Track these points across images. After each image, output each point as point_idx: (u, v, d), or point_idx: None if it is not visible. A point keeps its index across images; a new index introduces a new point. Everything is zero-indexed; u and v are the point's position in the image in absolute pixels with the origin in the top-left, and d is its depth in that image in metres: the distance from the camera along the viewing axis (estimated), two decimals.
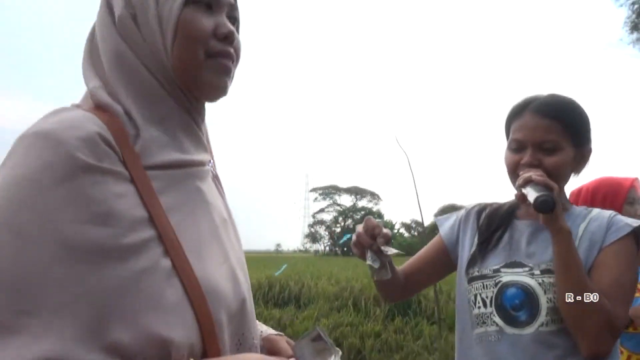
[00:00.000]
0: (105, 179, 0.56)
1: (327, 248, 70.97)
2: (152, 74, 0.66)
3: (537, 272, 1.12)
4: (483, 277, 1.17)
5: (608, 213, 1.17)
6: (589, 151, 1.19)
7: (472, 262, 1.22)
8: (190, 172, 0.68)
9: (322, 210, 72.58)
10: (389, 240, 1.04)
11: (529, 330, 1.08)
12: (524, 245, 1.17)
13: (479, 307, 1.15)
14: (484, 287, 1.16)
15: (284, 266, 11.41)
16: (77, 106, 0.65)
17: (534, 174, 1.04)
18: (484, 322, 1.14)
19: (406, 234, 66.15)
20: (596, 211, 1.19)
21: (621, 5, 15.12)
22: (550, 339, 1.07)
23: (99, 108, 0.63)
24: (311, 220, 75.07)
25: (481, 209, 1.33)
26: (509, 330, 1.10)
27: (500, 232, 1.22)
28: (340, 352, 0.77)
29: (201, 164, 0.70)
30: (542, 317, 1.08)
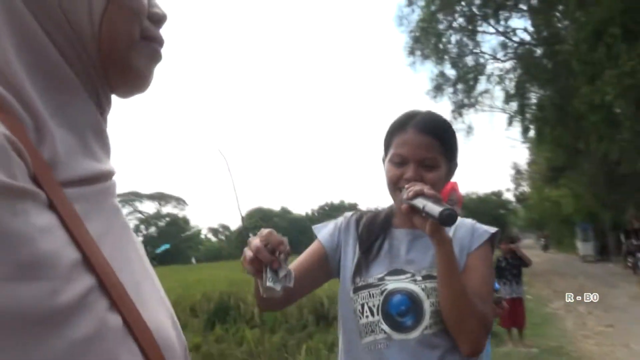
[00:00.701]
0: (24, 206, 0.38)
1: None
2: (60, 50, 0.48)
3: (418, 278, 1.17)
4: (369, 286, 1.19)
5: (469, 221, 1.28)
6: (456, 165, 1.28)
7: (357, 271, 1.22)
8: (106, 187, 0.52)
9: None
10: (288, 256, 0.96)
11: (415, 334, 1.12)
12: (403, 253, 1.22)
13: (367, 317, 1.16)
14: (370, 295, 1.17)
15: None
16: None
17: (425, 187, 1.08)
18: (372, 331, 1.15)
19: (214, 239, 65.55)
20: (458, 220, 1.24)
21: (402, 32, 17.50)
22: (433, 340, 1.12)
23: None
24: None
25: (358, 217, 1.35)
26: (396, 336, 1.13)
27: (380, 241, 1.26)
28: None
29: (111, 175, 0.53)
30: (426, 320, 1.13)
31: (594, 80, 12.70)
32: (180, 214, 66.02)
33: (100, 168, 0.50)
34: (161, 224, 62.74)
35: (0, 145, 0.37)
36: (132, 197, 66.06)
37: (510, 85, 19.48)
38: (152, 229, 62.38)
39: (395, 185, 1.19)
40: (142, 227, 63.26)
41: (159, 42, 0.55)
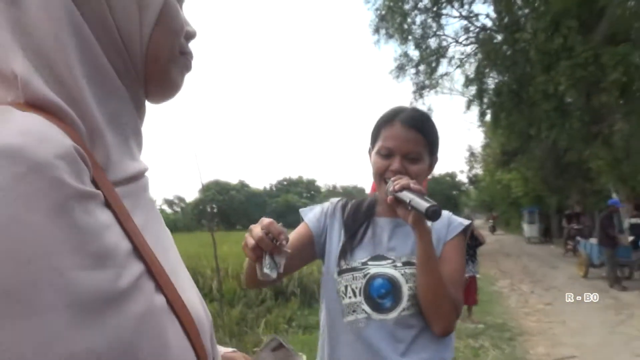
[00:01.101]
0: (91, 207, 0.45)
1: None
2: (114, 66, 0.55)
3: (399, 264, 1.25)
4: (353, 269, 1.27)
5: (445, 213, 1.34)
6: (437, 160, 1.35)
7: (342, 255, 1.30)
8: (143, 183, 0.59)
9: None
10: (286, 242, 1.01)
11: (393, 315, 1.21)
12: (385, 240, 1.30)
13: (350, 297, 1.24)
14: (353, 278, 1.25)
15: None
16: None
17: (410, 182, 1.14)
18: (354, 311, 1.24)
19: (169, 211, 64.39)
20: None
21: (369, 9, 17.45)
22: (408, 321, 1.21)
23: (35, 106, 0.46)
24: None
25: (344, 204, 1.42)
26: (376, 316, 1.22)
27: (364, 228, 1.33)
28: (305, 357, 0.74)
29: (145, 171, 0.60)
30: (404, 303, 1.21)
31: (550, 69, 13.17)
32: None
33: (139, 167, 0.58)
34: None
35: (72, 157, 0.44)
36: None
37: (470, 69, 19.91)
38: None
39: (381, 176, 1.26)
40: None
41: (191, 55, 0.63)
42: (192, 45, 0.64)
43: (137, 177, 0.57)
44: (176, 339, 0.51)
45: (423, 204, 1.06)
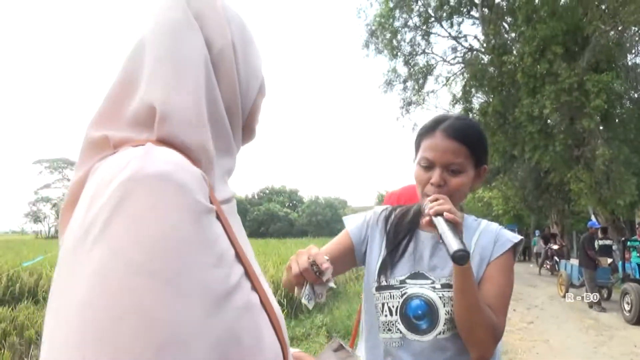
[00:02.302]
0: (212, 219, 0.57)
1: (53, 229, 62.31)
2: (230, 122, 0.69)
3: (438, 286, 1.20)
4: (390, 287, 1.23)
5: (494, 228, 1.28)
6: (485, 170, 1.27)
7: (381, 270, 1.27)
8: (234, 204, 0.72)
9: (47, 186, 63.28)
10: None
11: (428, 337, 1.18)
12: (427, 257, 1.25)
13: (386, 315, 1.22)
14: (391, 296, 1.22)
15: (39, 257, 9.55)
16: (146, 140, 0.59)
17: (445, 209, 1.08)
18: (389, 330, 1.22)
19: None
20: (484, 223, 1.30)
21: (360, 24, 17.54)
22: (444, 344, 1.17)
23: (165, 142, 0.58)
24: (33, 197, 64.63)
25: (388, 214, 1.38)
26: (411, 336, 1.19)
27: (406, 241, 1.29)
28: (361, 358, 0.79)
29: (234, 194, 0.73)
30: (440, 326, 1.17)
31: (535, 93, 13.51)
32: None
33: (231, 191, 0.71)
34: None
35: (201, 181, 0.56)
36: (62, 164, 62.47)
37: (457, 88, 20.26)
38: None
39: (422, 188, 1.23)
40: None
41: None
42: None
43: (230, 199, 0.69)
44: (268, 332, 0.61)
45: (452, 245, 0.99)
